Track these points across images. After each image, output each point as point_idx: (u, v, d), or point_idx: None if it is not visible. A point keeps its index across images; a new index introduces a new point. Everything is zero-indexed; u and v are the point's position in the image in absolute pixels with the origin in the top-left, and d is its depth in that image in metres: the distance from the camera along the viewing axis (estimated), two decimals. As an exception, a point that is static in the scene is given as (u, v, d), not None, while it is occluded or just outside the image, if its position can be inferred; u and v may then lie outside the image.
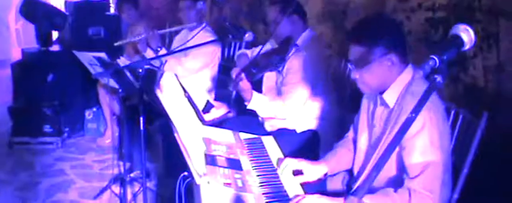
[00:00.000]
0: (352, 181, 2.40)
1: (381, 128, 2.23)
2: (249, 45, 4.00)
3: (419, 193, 1.97)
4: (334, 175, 2.51)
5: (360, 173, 2.34)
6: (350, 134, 2.58)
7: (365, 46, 2.11)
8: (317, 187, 2.40)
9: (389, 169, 2.15)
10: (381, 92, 2.21)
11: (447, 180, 2.17)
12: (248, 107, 3.07)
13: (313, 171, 2.39)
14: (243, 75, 2.95)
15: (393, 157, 2.13)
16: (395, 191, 2.02)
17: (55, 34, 5.92)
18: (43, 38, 5.36)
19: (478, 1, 3.24)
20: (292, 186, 2.24)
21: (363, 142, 2.38)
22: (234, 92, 3.09)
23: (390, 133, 2.08)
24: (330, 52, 4.34)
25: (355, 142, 2.48)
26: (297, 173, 2.37)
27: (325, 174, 2.44)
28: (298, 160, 2.39)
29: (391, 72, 2.14)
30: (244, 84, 2.97)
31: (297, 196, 2.09)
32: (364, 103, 2.43)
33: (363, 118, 2.41)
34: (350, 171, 2.51)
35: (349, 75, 3.44)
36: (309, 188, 2.29)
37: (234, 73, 3.06)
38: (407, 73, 2.15)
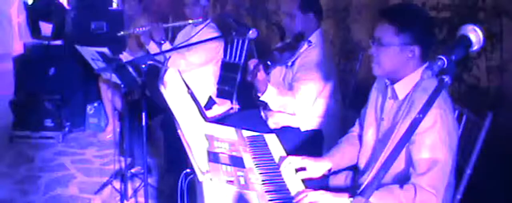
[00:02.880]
0: (358, 176, 2.39)
1: (390, 122, 2.23)
2: (252, 42, 4.00)
3: (425, 190, 1.98)
4: (338, 172, 2.51)
5: (367, 167, 2.34)
6: (355, 129, 2.58)
7: (396, 26, 2.10)
8: (320, 183, 2.40)
9: (398, 164, 2.14)
10: (392, 83, 2.20)
11: (451, 180, 2.17)
12: (261, 98, 3.06)
13: (317, 167, 2.39)
14: (260, 66, 2.95)
15: (402, 152, 2.11)
16: (401, 186, 2.02)
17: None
18: (38, 30, 5.38)
19: (482, 1, 3.23)
20: (294, 184, 2.24)
21: (370, 136, 2.37)
22: (236, 89, 3.08)
23: (399, 127, 2.07)
24: (333, 49, 4.34)
25: (361, 136, 2.47)
26: (299, 170, 2.37)
27: (329, 170, 2.44)
28: (301, 158, 2.39)
29: (408, 64, 2.13)
30: (261, 75, 2.96)
31: (300, 192, 2.09)
32: (373, 96, 2.42)
33: (370, 111, 2.40)
34: (354, 169, 2.50)
35: (352, 72, 3.45)
36: (312, 184, 2.28)
37: (251, 64, 3.06)
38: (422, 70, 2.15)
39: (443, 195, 2.02)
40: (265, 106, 3.23)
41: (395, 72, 2.17)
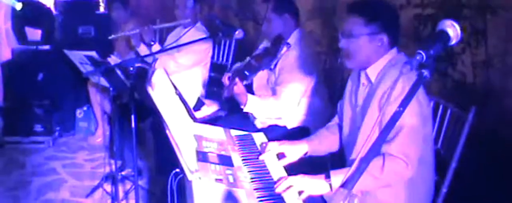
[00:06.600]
0: (344, 161, 2.44)
1: (363, 105, 2.29)
2: (239, 43, 4.00)
3: (393, 156, 2.00)
4: (317, 157, 2.57)
5: (348, 153, 2.40)
6: (335, 119, 2.66)
7: (364, 18, 2.20)
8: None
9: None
10: (364, 69, 2.28)
11: (430, 160, 2.21)
12: (245, 110, 3.09)
13: (294, 150, 2.47)
14: (237, 79, 2.96)
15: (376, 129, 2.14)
16: None
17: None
18: (24, 36, 5.37)
19: (466, -2, 3.28)
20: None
21: (347, 123, 2.44)
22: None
23: (369, 107, 2.12)
24: (320, 48, 4.36)
25: (340, 127, 2.54)
26: (281, 156, 2.44)
27: (306, 153, 2.51)
28: (279, 142, 2.47)
29: (378, 52, 2.23)
30: (239, 88, 2.98)
31: (281, 179, 2.16)
32: (348, 85, 2.50)
33: (347, 102, 2.47)
34: (331, 158, 2.57)
35: (339, 70, 3.47)
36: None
37: (226, 78, 3.08)
38: (391, 53, 2.24)
39: (416, 164, 2.04)
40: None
41: (366, 62, 2.26)
